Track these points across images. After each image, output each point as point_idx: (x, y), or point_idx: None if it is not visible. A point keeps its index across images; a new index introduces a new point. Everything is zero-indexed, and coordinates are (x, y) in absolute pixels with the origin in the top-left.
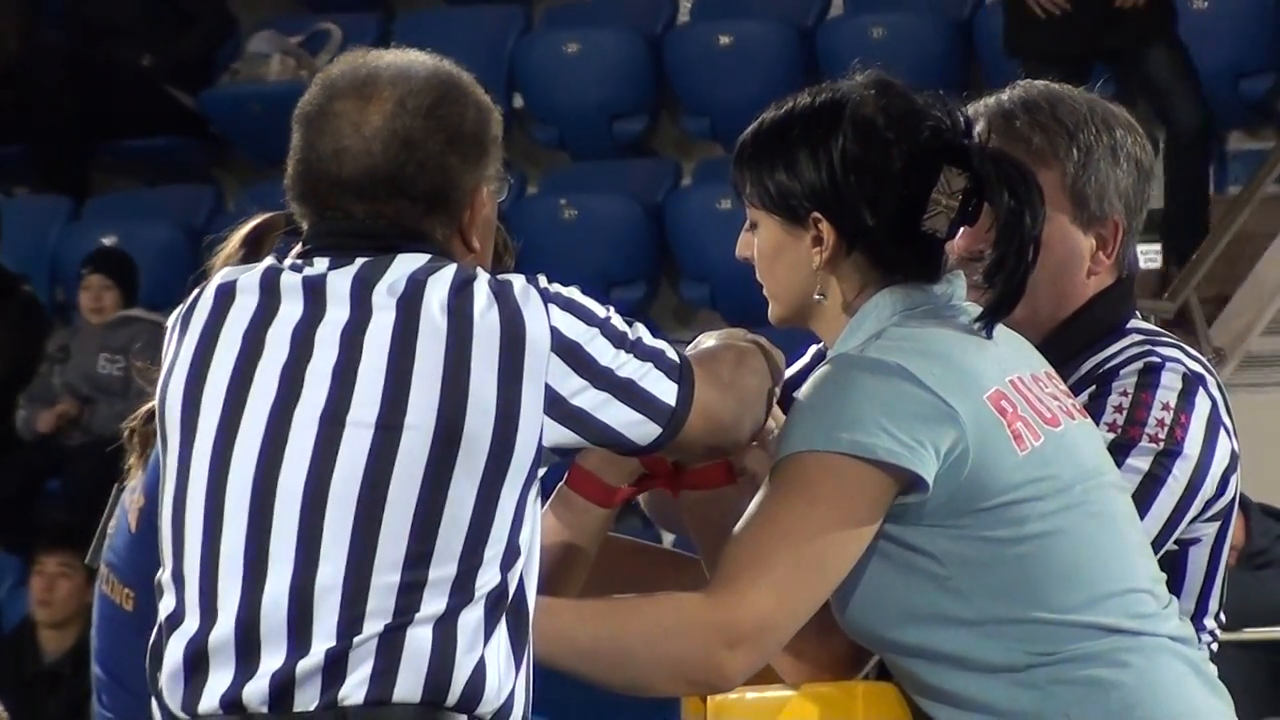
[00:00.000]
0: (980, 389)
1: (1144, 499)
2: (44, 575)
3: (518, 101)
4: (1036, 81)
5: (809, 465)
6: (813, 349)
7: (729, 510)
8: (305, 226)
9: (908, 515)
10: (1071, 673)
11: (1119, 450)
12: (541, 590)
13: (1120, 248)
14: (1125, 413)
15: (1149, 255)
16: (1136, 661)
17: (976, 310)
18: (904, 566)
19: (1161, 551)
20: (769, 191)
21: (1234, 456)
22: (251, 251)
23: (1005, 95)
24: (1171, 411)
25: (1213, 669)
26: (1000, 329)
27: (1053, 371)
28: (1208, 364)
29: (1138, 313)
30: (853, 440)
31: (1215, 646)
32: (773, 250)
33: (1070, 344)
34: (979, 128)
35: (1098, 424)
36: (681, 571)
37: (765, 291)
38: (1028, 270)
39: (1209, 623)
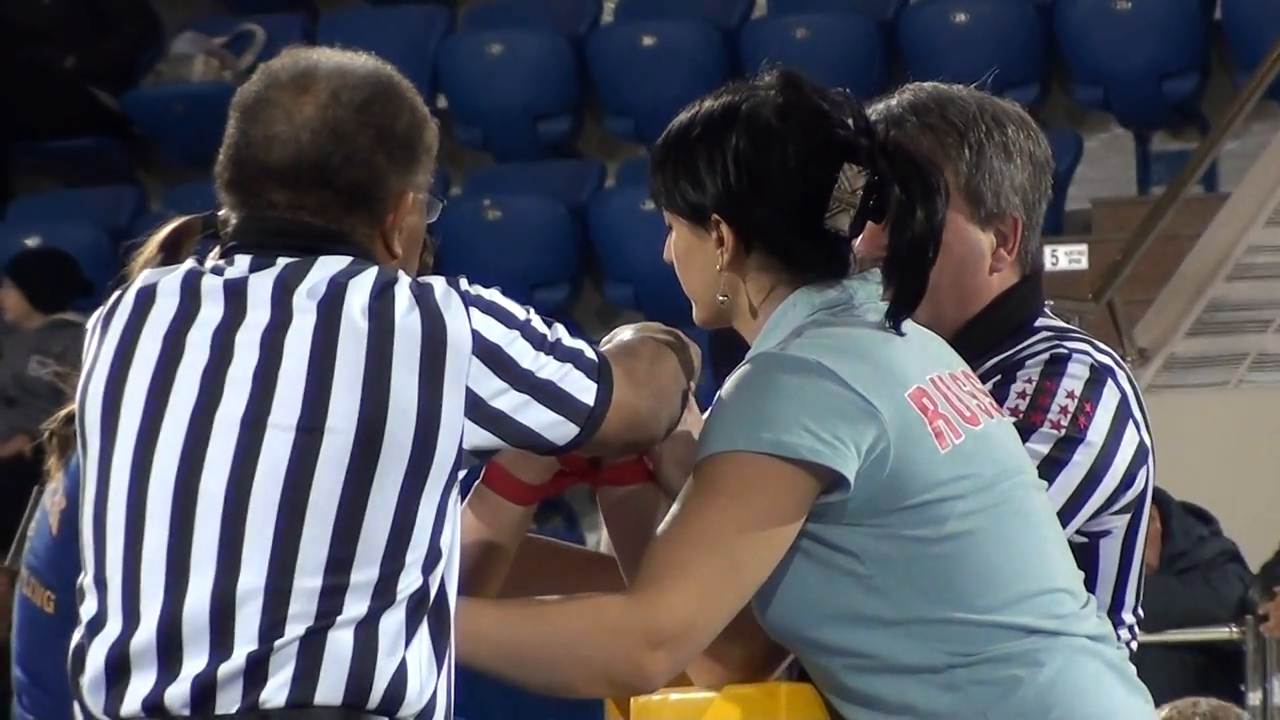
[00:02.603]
0: (901, 386)
1: (1043, 481)
2: None
3: (441, 102)
4: (925, 84)
5: (731, 465)
6: None
7: (647, 512)
8: (231, 219)
9: (829, 514)
10: (990, 673)
11: (1018, 433)
12: (461, 590)
13: (1021, 243)
14: (1028, 399)
15: (1073, 256)
16: (1055, 661)
17: (887, 308)
18: (825, 565)
19: (1064, 538)
20: (675, 196)
21: (1144, 449)
22: (169, 255)
23: (894, 100)
24: (1075, 400)
25: (1131, 668)
26: (918, 328)
27: (970, 371)
28: (1118, 358)
29: (1048, 310)
30: (774, 439)
31: (1135, 645)
32: (684, 253)
33: (977, 342)
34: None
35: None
36: (602, 572)
37: (687, 294)
38: (926, 265)
39: (1127, 617)
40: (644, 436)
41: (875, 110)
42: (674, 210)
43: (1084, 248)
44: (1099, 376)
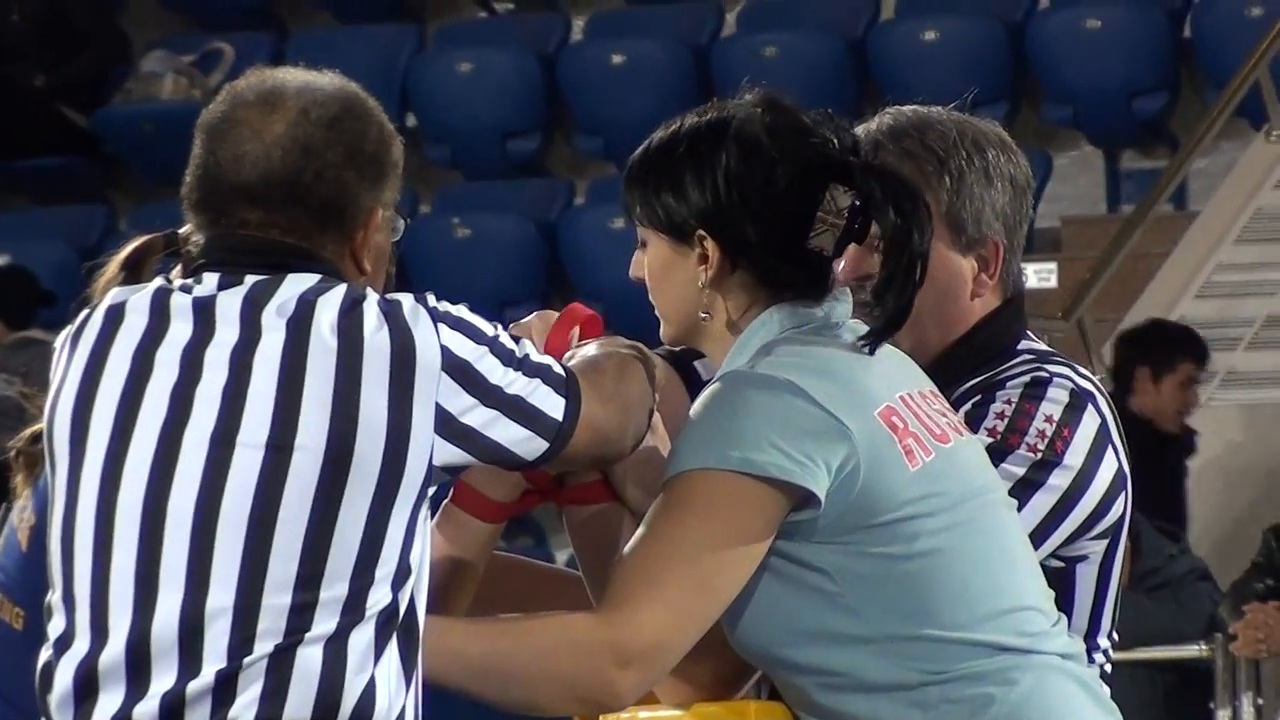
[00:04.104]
0: (871, 405)
1: (1017, 503)
2: None
3: (410, 120)
4: (905, 107)
5: (700, 483)
6: None
7: (613, 531)
8: (199, 238)
9: (800, 532)
10: (961, 691)
11: (995, 455)
12: (429, 608)
13: (1002, 267)
14: (1007, 420)
15: (1042, 274)
16: (1025, 679)
17: (863, 328)
18: (796, 583)
19: (1039, 560)
20: (656, 211)
21: (1122, 475)
22: (131, 274)
23: (874, 124)
24: (1054, 424)
25: (1102, 686)
26: (885, 347)
27: (937, 390)
28: (1099, 383)
29: (1030, 333)
30: (743, 458)
31: (1109, 667)
32: (661, 269)
33: (960, 367)
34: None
35: (977, 430)
36: (570, 590)
37: (657, 311)
38: (915, 288)
39: (1102, 641)
40: (612, 451)
41: (854, 133)
42: (653, 225)
43: (1053, 266)
44: (1079, 402)
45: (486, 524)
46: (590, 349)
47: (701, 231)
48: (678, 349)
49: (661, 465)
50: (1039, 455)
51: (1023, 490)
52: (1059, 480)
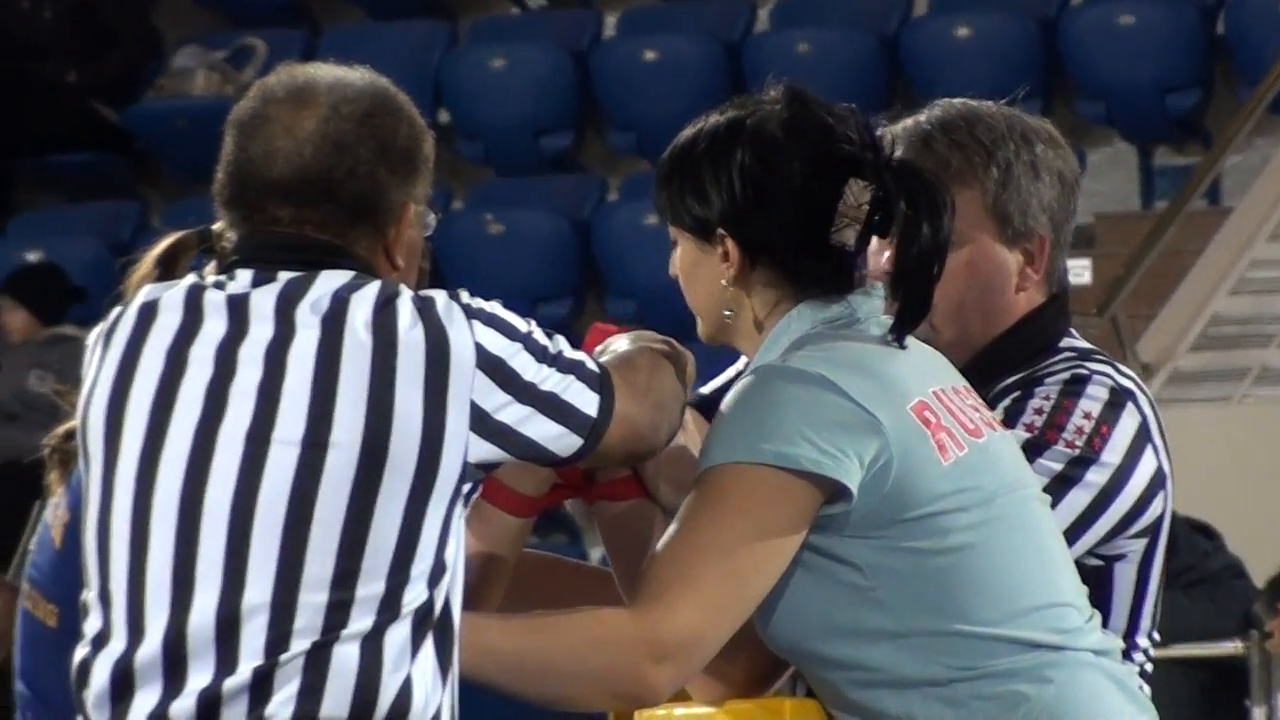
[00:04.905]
0: (904, 399)
1: (1053, 498)
2: None
3: (443, 116)
4: (954, 100)
5: (732, 477)
6: (741, 361)
7: (643, 527)
8: (232, 235)
9: (832, 525)
10: (993, 688)
11: (1032, 450)
12: (462, 604)
13: (1048, 262)
14: (1045, 416)
15: (1076, 270)
16: (1058, 677)
17: (890, 323)
18: (827, 578)
19: (1075, 558)
20: (680, 211)
21: (1161, 474)
22: (165, 271)
23: (923, 116)
24: (1093, 421)
25: (1137, 683)
26: (916, 343)
27: (970, 387)
28: (1140, 382)
29: (1073, 331)
30: (776, 451)
31: (1150, 666)
32: (690, 268)
33: (1002, 361)
34: (898, 151)
35: (1015, 426)
36: (603, 588)
37: (692, 309)
38: (931, 280)
39: (1141, 641)
40: (645, 447)
41: (904, 126)
42: (680, 225)
43: (1087, 262)
44: (1118, 399)
45: (516, 519)
46: (623, 345)
47: (721, 230)
48: (708, 394)
49: (692, 461)
50: (1076, 451)
51: (1059, 486)
52: (1096, 477)
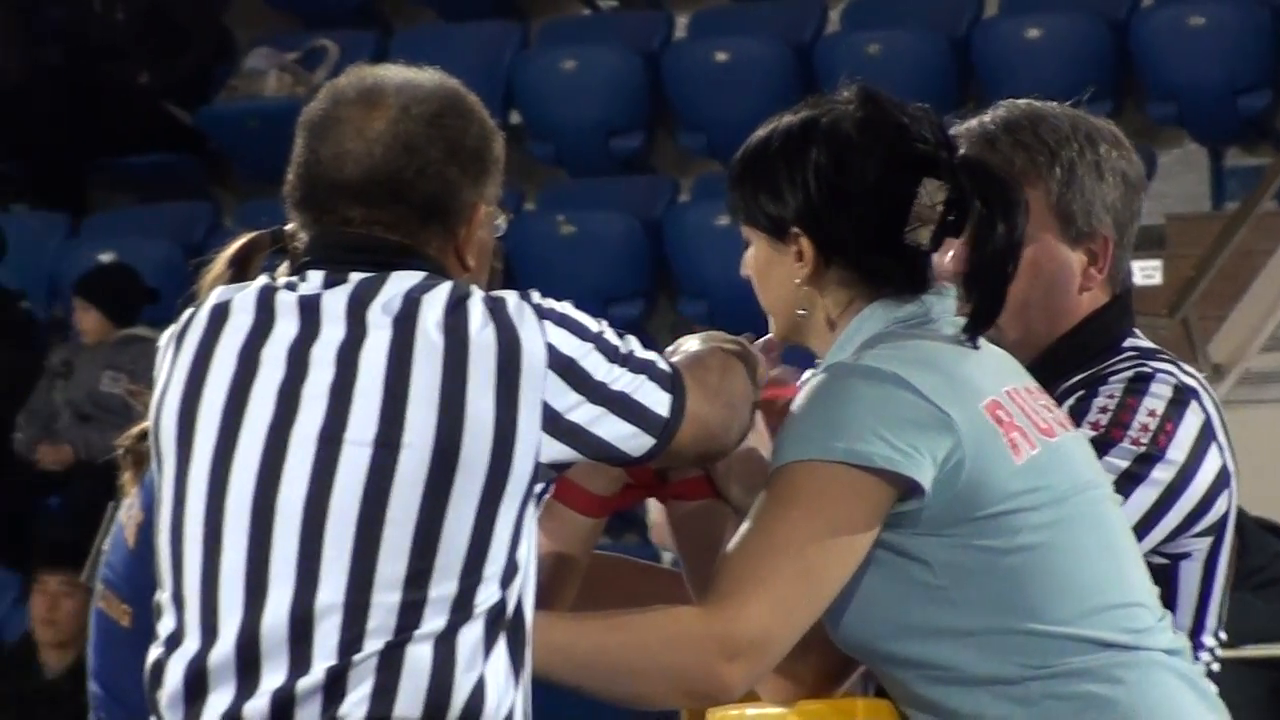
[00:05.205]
0: (976, 397)
1: (1119, 496)
2: (46, 594)
3: (515, 117)
4: (1019, 100)
5: (805, 475)
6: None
7: (714, 527)
8: (303, 236)
9: (904, 523)
10: (1064, 687)
11: (1098, 448)
12: (534, 603)
13: (1112, 263)
14: (1110, 414)
15: (1147, 271)
16: (1130, 677)
17: (965, 322)
18: (898, 576)
19: (1140, 553)
20: (754, 211)
21: (1226, 472)
22: (238, 272)
23: (988, 116)
24: (1157, 419)
25: (1208, 683)
26: (988, 344)
27: (1041, 387)
28: (1203, 380)
29: (1137, 331)
30: (849, 448)
31: (1216, 666)
32: (763, 267)
33: (1066, 361)
34: (962, 150)
35: (1080, 425)
36: (675, 588)
37: (765, 309)
38: (1005, 280)
39: (1208, 640)
40: (717, 447)
41: (968, 126)
42: (753, 225)
43: (1158, 263)
44: (1182, 397)
45: (588, 519)
46: (694, 345)
47: (796, 229)
48: None
49: (763, 461)
50: (1142, 448)
51: (1126, 484)
52: (1162, 475)
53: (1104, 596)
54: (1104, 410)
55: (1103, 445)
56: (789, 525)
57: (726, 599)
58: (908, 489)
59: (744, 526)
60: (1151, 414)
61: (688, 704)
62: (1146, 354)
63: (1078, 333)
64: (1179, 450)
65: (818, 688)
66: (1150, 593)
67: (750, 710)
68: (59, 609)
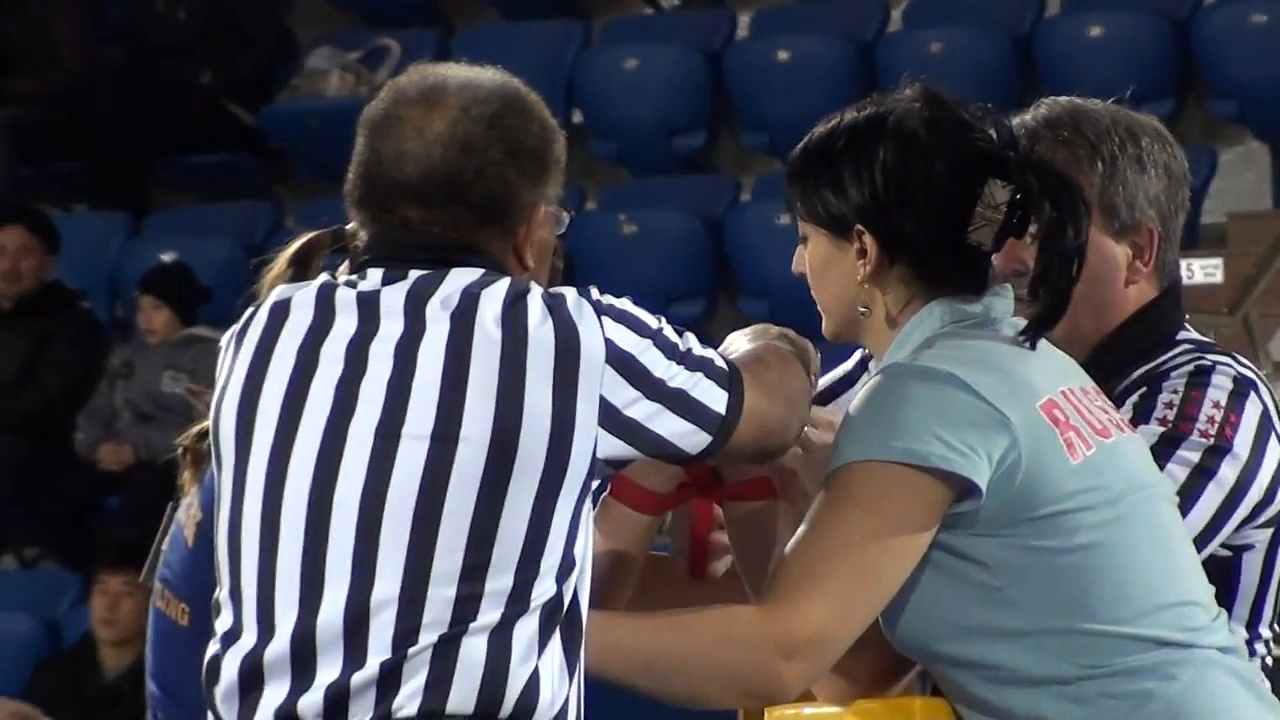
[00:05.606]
0: (1033, 398)
1: (1191, 492)
2: (107, 594)
3: (577, 117)
4: (1060, 98)
5: (863, 475)
6: (857, 355)
7: (771, 527)
8: (363, 235)
9: (960, 524)
10: (1120, 686)
11: (1169, 443)
12: (590, 601)
13: (1157, 255)
14: (1176, 409)
15: (1208, 269)
16: (1185, 675)
17: (1023, 323)
18: (955, 577)
19: (1207, 553)
20: (815, 206)
21: None
22: (299, 270)
23: (1029, 115)
24: (1222, 410)
25: (1263, 680)
26: (1045, 344)
27: (1098, 388)
28: (1258, 372)
29: (1187, 324)
30: (906, 448)
31: (1270, 659)
32: (821, 264)
33: (1118, 356)
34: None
35: (1147, 421)
36: (730, 588)
37: (818, 306)
38: (1071, 282)
39: (1264, 631)
40: (775, 444)
41: (1011, 125)
42: (814, 221)
43: (1219, 261)
44: (1242, 389)
45: (645, 516)
46: (744, 341)
47: (860, 226)
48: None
49: (824, 461)
50: (1211, 440)
51: (1198, 478)
52: (1230, 470)
53: (1159, 595)
54: (1169, 405)
55: (1173, 440)
56: (847, 525)
57: (784, 599)
58: (964, 489)
59: (802, 526)
60: (1216, 405)
61: (745, 703)
62: (1202, 347)
63: (1129, 327)
64: (1244, 443)
65: (873, 686)
66: (1205, 591)
67: (807, 709)
68: (119, 609)
